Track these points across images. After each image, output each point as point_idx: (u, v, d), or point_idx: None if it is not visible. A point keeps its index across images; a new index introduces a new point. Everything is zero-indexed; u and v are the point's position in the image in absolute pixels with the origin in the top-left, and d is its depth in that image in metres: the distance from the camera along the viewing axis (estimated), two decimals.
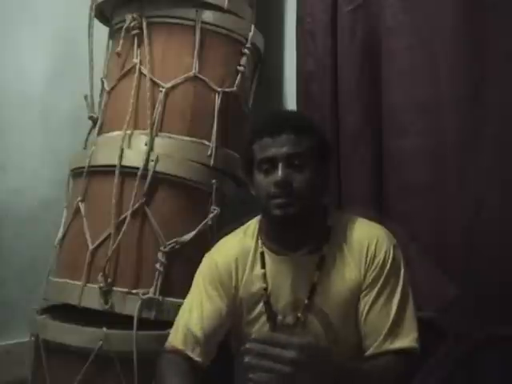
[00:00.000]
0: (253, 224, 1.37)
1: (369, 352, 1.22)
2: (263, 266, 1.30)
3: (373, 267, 1.24)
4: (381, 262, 1.24)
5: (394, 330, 1.21)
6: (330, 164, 1.33)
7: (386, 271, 1.23)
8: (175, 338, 1.30)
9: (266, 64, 1.87)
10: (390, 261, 1.24)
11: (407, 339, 1.20)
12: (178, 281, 1.45)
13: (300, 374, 1.00)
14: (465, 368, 1.36)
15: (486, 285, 1.35)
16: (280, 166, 1.21)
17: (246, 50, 1.70)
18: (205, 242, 1.47)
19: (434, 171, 1.48)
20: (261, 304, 1.29)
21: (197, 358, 1.27)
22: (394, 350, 1.20)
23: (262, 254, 1.31)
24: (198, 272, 1.36)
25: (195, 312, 1.30)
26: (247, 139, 1.30)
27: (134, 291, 1.49)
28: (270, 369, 1.00)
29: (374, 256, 1.24)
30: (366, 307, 1.23)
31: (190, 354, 1.27)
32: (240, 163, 1.43)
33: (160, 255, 1.50)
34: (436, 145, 1.47)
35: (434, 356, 1.35)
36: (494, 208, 1.38)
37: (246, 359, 1.01)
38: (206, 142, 1.61)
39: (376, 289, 1.23)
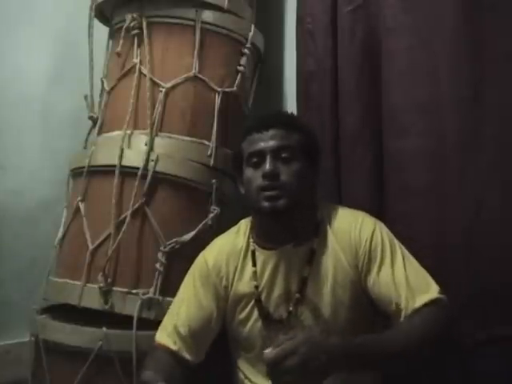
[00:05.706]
0: (244, 223, 1.39)
1: (401, 318, 1.20)
2: (254, 264, 1.31)
3: (362, 248, 1.26)
4: (369, 239, 1.26)
5: (412, 289, 1.20)
6: (319, 163, 1.35)
7: (377, 245, 1.26)
8: (163, 335, 1.31)
9: (266, 64, 1.88)
10: (377, 235, 1.27)
11: (428, 293, 1.20)
12: (177, 281, 1.44)
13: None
14: (464, 368, 1.36)
15: (486, 285, 1.35)
16: (268, 158, 1.25)
17: (246, 50, 1.71)
18: (205, 242, 1.47)
19: (434, 172, 1.47)
20: (252, 301, 1.30)
21: (185, 356, 1.28)
22: (421, 306, 1.18)
23: (253, 252, 1.33)
24: (189, 270, 1.39)
25: (183, 311, 1.32)
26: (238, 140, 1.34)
27: (133, 291, 1.49)
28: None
29: (360, 238, 1.27)
30: (375, 282, 1.23)
31: (177, 351, 1.28)
32: (231, 165, 1.45)
33: (160, 255, 1.51)
34: (436, 145, 1.47)
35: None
36: (494, 208, 1.37)
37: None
38: (206, 142, 1.61)
39: (376, 264, 1.24)
